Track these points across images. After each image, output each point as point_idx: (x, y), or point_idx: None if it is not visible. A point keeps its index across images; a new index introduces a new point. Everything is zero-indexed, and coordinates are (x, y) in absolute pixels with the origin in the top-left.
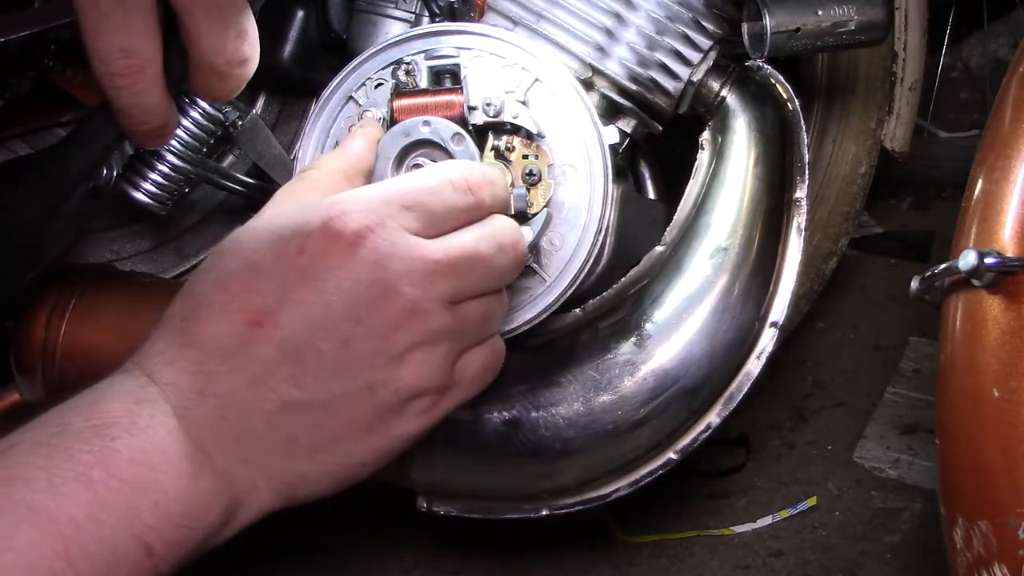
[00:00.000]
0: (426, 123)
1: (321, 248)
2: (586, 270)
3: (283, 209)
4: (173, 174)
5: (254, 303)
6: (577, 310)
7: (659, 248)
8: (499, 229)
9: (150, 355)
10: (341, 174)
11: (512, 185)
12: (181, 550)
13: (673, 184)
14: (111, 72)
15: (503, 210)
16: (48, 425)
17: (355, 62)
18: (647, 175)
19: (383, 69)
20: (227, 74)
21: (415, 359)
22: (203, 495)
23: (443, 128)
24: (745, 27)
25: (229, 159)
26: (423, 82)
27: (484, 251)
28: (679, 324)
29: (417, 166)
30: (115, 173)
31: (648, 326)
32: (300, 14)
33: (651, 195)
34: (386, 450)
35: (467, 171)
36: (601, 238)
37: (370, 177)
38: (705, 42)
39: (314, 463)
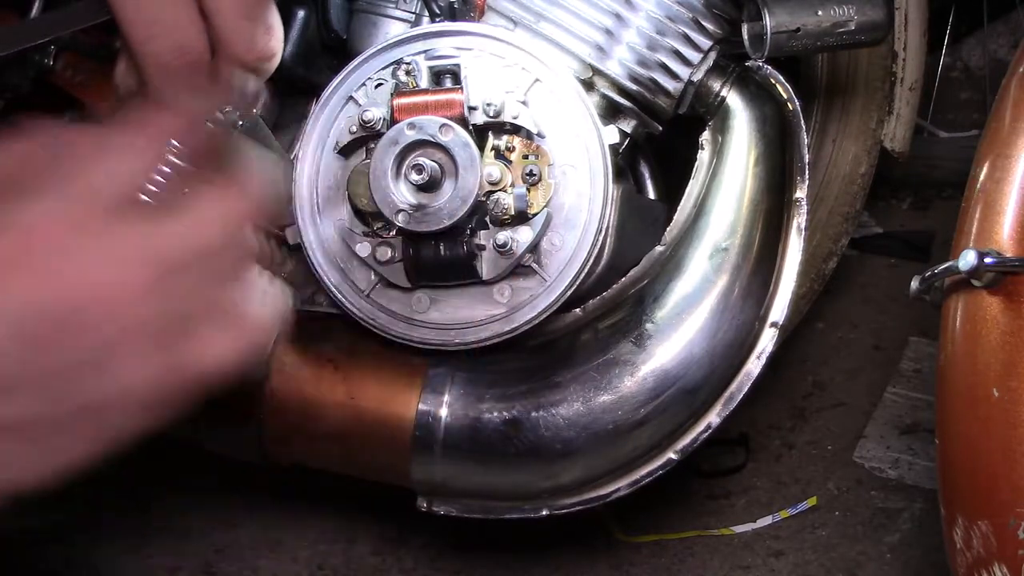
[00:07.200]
0: (411, 126)
1: None
2: (586, 270)
3: None
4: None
5: None
6: (577, 310)
7: (659, 248)
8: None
9: None
10: None
11: (512, 185)
12: None
13: (673, 184)
14: (171, 72)
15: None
16: None
17: (355, 62)
18: (647, 175)
19: (383, 69)
20: (255, 69)
21: (115, 367)
22: None
23: (428, 124)
24: (745, 27)
25: None
26: (423, 82)
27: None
28: (679, 324)
29: (418, 166)
30: None
31: (648, 326)
32: (300, 14)
33: (651, 195)
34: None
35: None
36: (601, 238)
37: None
38: (705, 42)
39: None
